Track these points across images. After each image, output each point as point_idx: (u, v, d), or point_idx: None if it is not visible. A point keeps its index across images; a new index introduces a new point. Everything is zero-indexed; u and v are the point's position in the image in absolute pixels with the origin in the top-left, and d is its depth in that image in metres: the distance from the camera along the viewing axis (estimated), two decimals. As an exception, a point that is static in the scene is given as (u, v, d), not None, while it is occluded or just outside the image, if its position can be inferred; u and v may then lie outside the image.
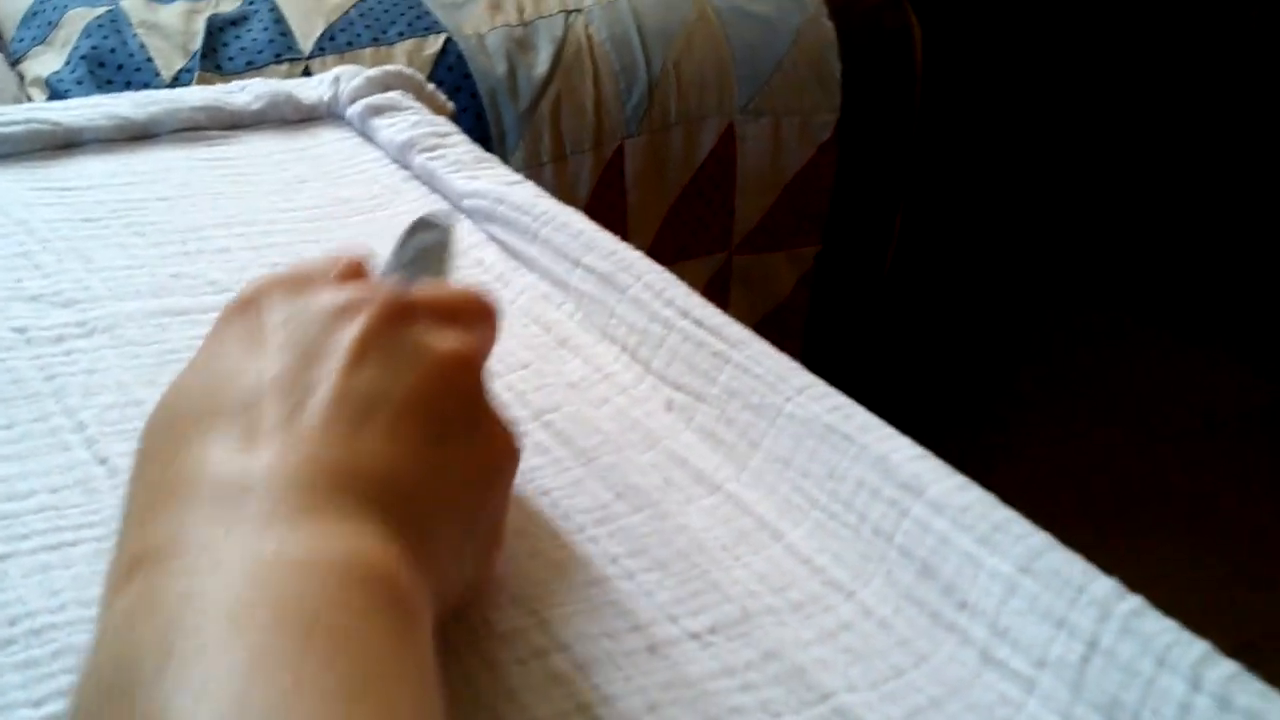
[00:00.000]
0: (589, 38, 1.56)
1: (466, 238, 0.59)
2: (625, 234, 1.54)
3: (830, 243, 1.77)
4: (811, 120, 1.68)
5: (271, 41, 1.45)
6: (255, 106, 0.70)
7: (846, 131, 1.70)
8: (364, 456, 0.31)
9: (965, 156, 1.93)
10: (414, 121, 0.67)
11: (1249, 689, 0.32)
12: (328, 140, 0.70)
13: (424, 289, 0.37)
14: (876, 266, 1.85)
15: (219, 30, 1.45)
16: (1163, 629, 0.34)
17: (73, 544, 0.38)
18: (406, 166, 0.66)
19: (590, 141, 1.55)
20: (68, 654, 0.34)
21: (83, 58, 1.39)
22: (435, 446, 0.32)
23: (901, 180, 1.81)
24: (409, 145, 0.65)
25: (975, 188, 1.91)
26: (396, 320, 0.34)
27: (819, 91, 1.68)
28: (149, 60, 1.40)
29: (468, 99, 1.48)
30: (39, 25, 1.46)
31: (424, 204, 0.63)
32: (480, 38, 1.52)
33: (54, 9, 1.48)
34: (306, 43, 1.46)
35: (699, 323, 0.48)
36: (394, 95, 0.70)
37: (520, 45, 1.53)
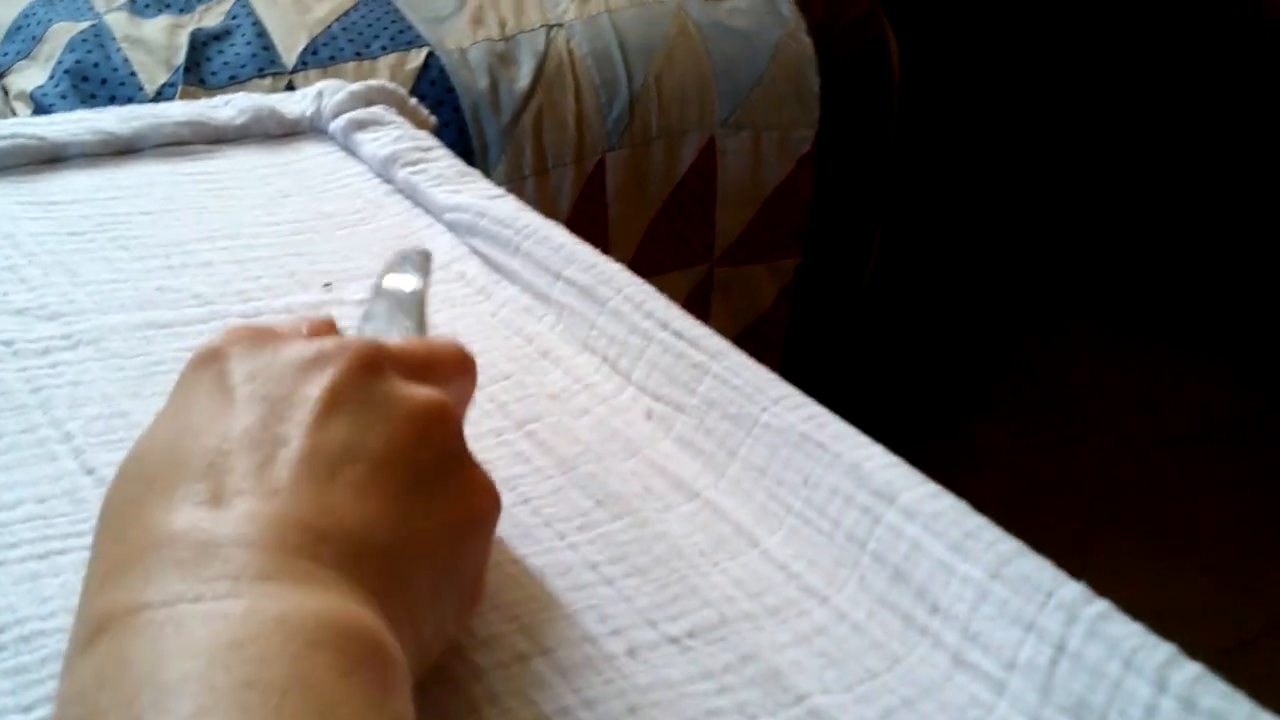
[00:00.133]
0: (570, 52, 1.57)
1: (449, 251, 0.60)
2: (607, 247, 1.55)
3: (810, 255, 1.78)
4: (791, 134, 1.70)
5: (255, 56, 1.46)
6: (239, 121, 0.70)
7: (825, 145, 1.72)
8: (335, 513, 0.30)
9: (944, 169, 1.95)
10: (396, 136, 0.68)
11: (1213, 690, 0.33)
12: (311, 155, 0.70)
13: (398, 343, 0.36)
14: (856, 278, 1.86)
15: (202, 45, 1.46)
16: (1129, 632, 0.34)
17: (61, 552, 0.39)
18: (389, 181, 0.66)
19: (572, 155, 1.56)
20: (56, 660, 0.34)
21: (66, 72, 1.39)
22: (410, 499, 0.31)
23: (880, 193, 1.82)
24: (392, 160, 0.66)
25: (954, 199, 1.93)
26: (368, 372, 0.33)
27: (798, 106, 1.69)
28: (133, 74, 1.40)
29: (450, 113, 1.48)
30: (23, 40, 1.47)
31: (407, 218, 0.63)
32: (462, 52, 1.53)
33: (38, 23, 1.48)
34: (290, 57, 1.47)
35: (678, 334, 0.49)
36: (377, 110, 0.71)
37: (502, 60, 1.54)
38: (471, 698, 0.34)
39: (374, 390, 0.33)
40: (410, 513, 0.31)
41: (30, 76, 1.41)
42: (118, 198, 0.62)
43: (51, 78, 1.39)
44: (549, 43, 1.57)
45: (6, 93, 1.41)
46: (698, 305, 1.72)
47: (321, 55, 1.48)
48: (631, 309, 0.51)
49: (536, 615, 0.37)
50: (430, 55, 1.51)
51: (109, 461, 0.43)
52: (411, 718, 0.27)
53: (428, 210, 0.63)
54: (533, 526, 0.41)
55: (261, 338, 0.34)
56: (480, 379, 0.40)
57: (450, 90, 1.49)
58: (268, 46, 1.47)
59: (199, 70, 1.43)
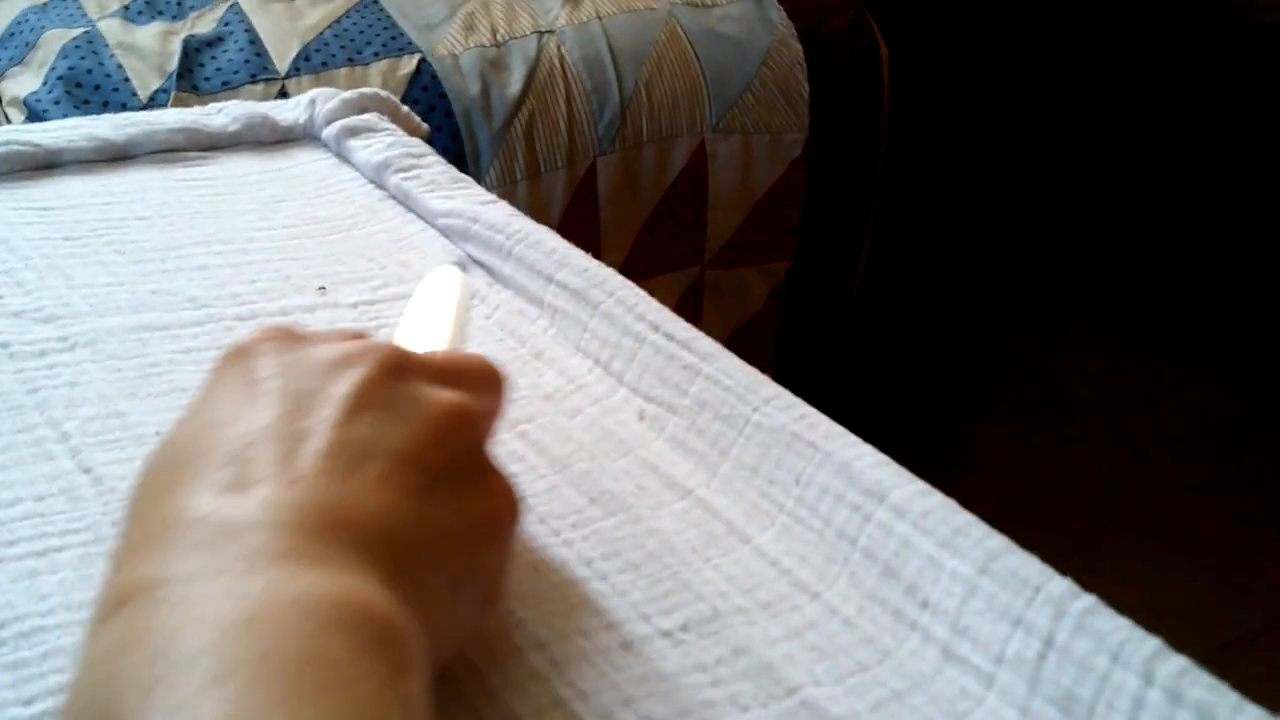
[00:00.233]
0: (561, 58, 1.58)
1: (443, 256, 0.60)
2: (599, 250, 1.56)
3: (801, 257, 1.79)
4: (781, 138, 1.70)
5: (247, 62, 1.46)
6: (232, 128, 0.70)
7: (816, 149, 1.73)
8: (355, 503, 0.30)
9: (936, 170, 1.96)
10: (389, 143, 0.68)
11: (1199, 683, 0.33)
12: (304, 161, 0.71)
13: (426, 353, 0.37)
14: (847, 280, 1.87)
15: (195, 51, 1.46)
16: (1116, 626, 0.35)
17: (59, 550, 0.39)
18: (382, 187, 0.67)
19: (563, 160, 1.56)
20: (56, 655, 0.35)
21: (60, 78, 1.40)
22: (428, 497, 0.32)
23: (871, 195, 1.83)
24: (385, 166, 0.66)
25: (946, 200, 1.94)
26: (394, 374, 0.34)
27: (788, 110, 1.70)
28: (126, 80, 1.41)
29: (442, 118, 1.49)
30: (16, 46, 1.47)
31: (400, 224, 0.64)
32: (454, 58, 1.53)
33: (31, 30, 1.49)
34: (282, 63, 1.47)
35: (670, 336, 0.49)
36: (369, 117, 0.71)
37: (494, 66, 1.54)
38: (466, 691, 0.35)
39: (398, 392, 0.33)
40: (428, 509, 0.32)
41: (24, 83, 1.41)
42: (112, 203, 0.63)
43: (45, 84, 1.40)
44: (540, 49, 1.57)
45: (0, 99, 1.41)
46: (690, 307, 1.72)
47: (314, 61, 1.49)
48: (624, 312, 0.51)
49: (531, 610, 0.38)
50: (422, 61, 1.51)
51: (105, 461, 0.43)
52: (424, 701, 0.27)
53: (420, 216, 0.64)
54: (528, 523, 0.42)
55: (292, 337, 0.35)
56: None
57: (442, 96, 1.50)
58: (260, 53, 1.48)
59: (192, 76, 1.43)
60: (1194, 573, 1.86)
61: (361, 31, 1.54)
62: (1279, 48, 2.27)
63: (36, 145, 0.65)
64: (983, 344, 2.41)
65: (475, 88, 1.52)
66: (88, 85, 1.40)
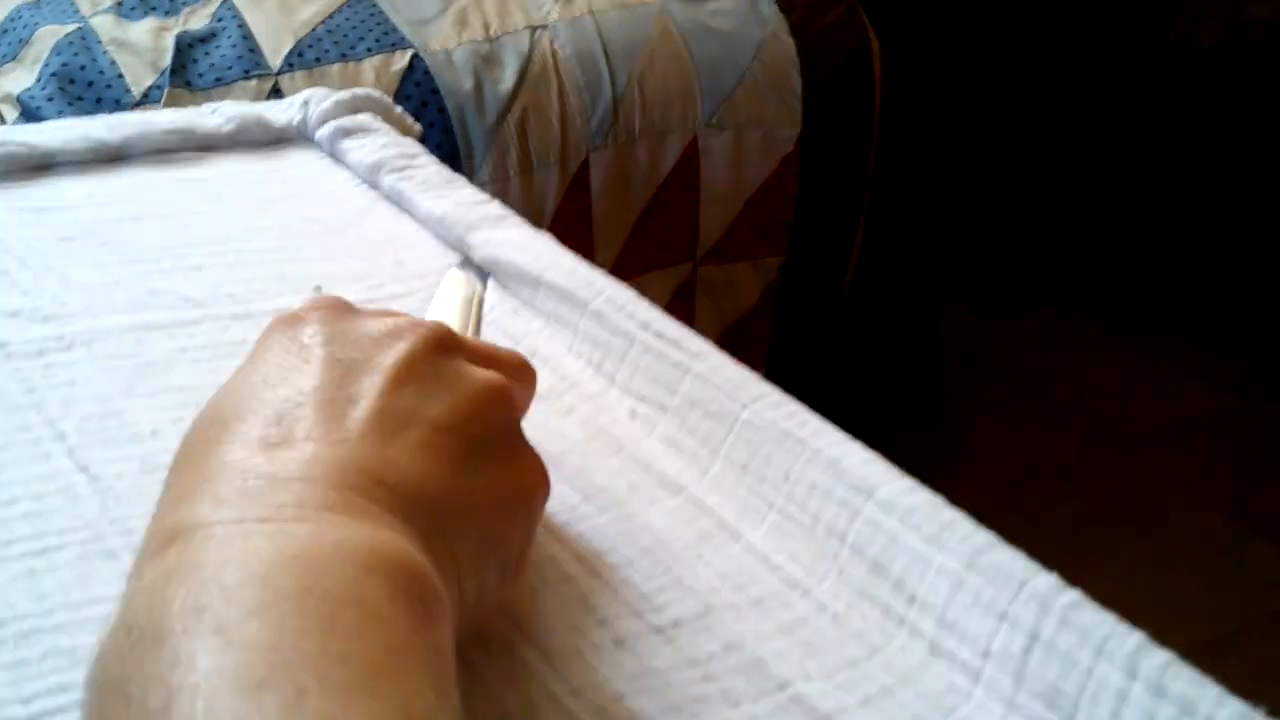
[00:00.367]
0: (554, 54, 1.58)
1: (437, 257, 0.61)
2: (592, 246, 1.57)
3: (794, 252, 1.79)
4: (773, 134, 1.71)
5: (240, 58, 1.46)
6: (226, 129, 0.71)
7: (808, 144, 1.73)
8: (394, 465, 0.32)
9: (925, 166, 1.96)
10: (383, 143, 0.69)
11: (1182, 677, 0.34)
12: (298, 161, 0.71)
13: (471, 339, 0.39)
14: (839, 275, 1.87)
15: (188, 47, 1.46)
16: (1100, 621, 0.35)
17: (57, 549, 0.39)
18: (376, 187, 0.67)
19: (556, 155, 1.57)
20: (55, 655, 0.35)
21: (53, 75, 1.40)
22: (463, 466, 0.34)
23: (863, 190, 1.83)
24: (378, 166, 0.67)
25: (935, 197, 1.94)
26: (439, 349, 0.35)
27: (780, 106, 1.70)
28: (119, 77, 1.41)
29: (435, 114, 1.49)
30: (9, 43, 1.47)
31: (393, 223, 0.64)
32: (447, 53, 1.53)
33: (24, 26, 1.48)
34: (275, 59, 1.48)
35: (659, 335, 0.50)
36: (363, 118, 0.72)
37: (486, 61, 1.55)
38: (462, 685, 0.35)
39: (442, 366, 0.35)
40: (463, 478, 0.33)
41: (17, 79, 1.41)
42: (108, 204, 0.63)
43: (38, 80, 1.40)
44: (533, 44, 1.58)
45: (-7, 96, 1.41)
46: (683, 302, 1.73)
47: (307, 57, 1.49)
48: (613, 310, 0.51)
49: (525, 605, 0.38)
50: (415, 57, 1.52)
51: (103, 460, 0.44)
52: (450, 650, 0.29)
53: (414, 216, 0.64)
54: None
55: (343, 308, 0.37)
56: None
57: (435, 91, 1.50)
58: (253, 49, 1.48)
59: (185, 72, 1.43)
60: (1182, 567, 1.87)
61: (354, 27, 1.54)
62: (1269, 44, 2.28)
63: (32, 146, 0.65)
64: (974, 339, 2.41)
65: (468, 83, 1.52)
66: (81, 82, 1.40)
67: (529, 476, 0.37)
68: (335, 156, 0.71)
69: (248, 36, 1.49)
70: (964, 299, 2.49)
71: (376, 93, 0.73)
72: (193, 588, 0.26)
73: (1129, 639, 0.35)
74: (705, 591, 0.40)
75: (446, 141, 1.49)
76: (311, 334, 0.35)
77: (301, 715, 0.23)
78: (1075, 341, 2.46)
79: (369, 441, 0.32)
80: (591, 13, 1.63)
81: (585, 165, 1.59)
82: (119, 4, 1.54)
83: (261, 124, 0.72)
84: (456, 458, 0.33)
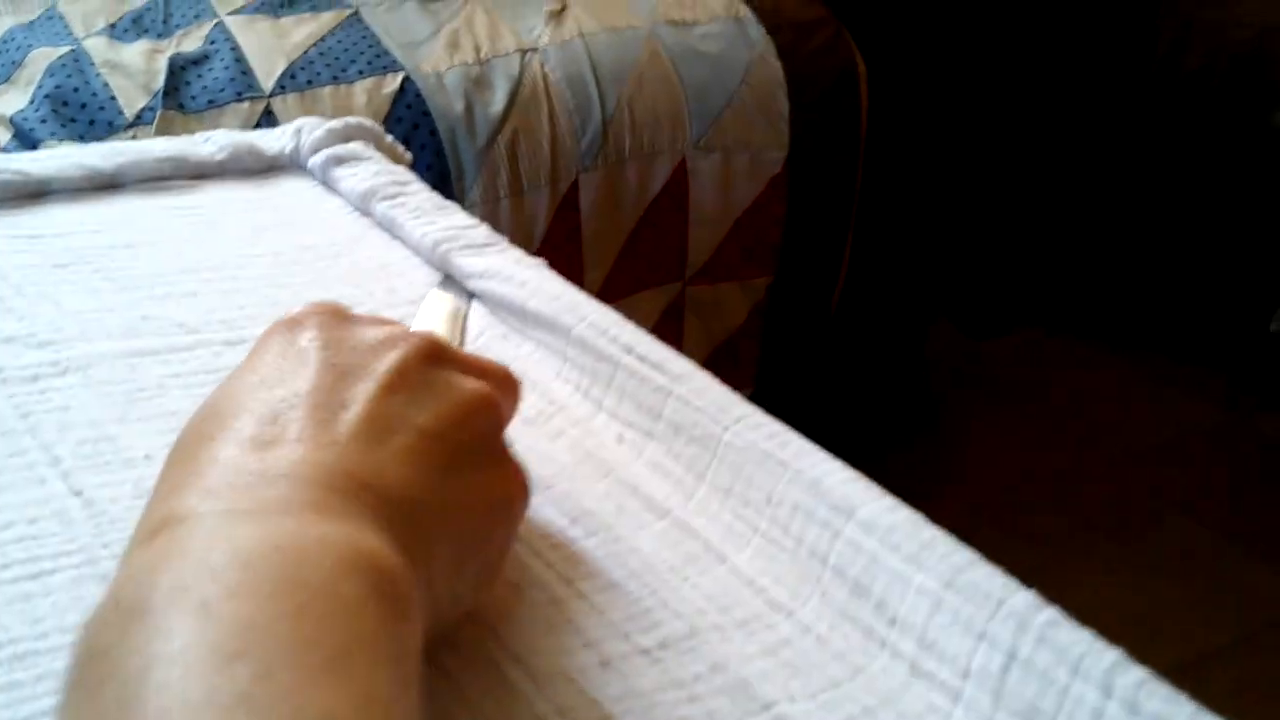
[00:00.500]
0: (544, 77, 1.59)
1: (429, 283, 0.61)
2: (581, 266, 1.58)
3: (781, 273, 1.80)
4: (761, 156, 1.72)
5: (233, 80, 1.47)
6: (219, 157, 0.71)
7: (796, 166, 1.74)
8: (380, 472, 0.33)
9: (912, 187, 1.98)
10: (375, 171, 0.69)
11: (1157, 694, 0.34)
12: (290, 189, 0.72)
13: (459, 351, 0.40)
14: (826, 295, 1.88)
15: (181, 69, 1.47)
16: (1076, 639, 0.36)
17: (51, 572, 0.40)
18: (368, 214, 0.68)
19: (546, 177, 1.58)
20: (49, 678, 0.35)
21: (47, 97, 1.40)
22: (448, 473, 0.35)
23: (849, 211, 1.84)
24: (370, 194, 0.67)
25: (922, 217, 1.95)
26: (430, 359, 0.37)
27: (768, 128, 1.72)
28: (112, 99, 1.42)
29: (426, 136, 1.50)
30: (2, 64, 1.48)
31: (385, 251, 0.65)
32: (438, 76, 1.54)
33: (17, 49, 1.49)
34: (267, 81, 1.48)
35: (643, 359, 0.50)
36: (354, 146, 0.72)
37: (477, 84, 1.56)
38: (448, 707, 0.36)
39: (432, 376, 0.36)
40: (445, 484, 0.35)
41: (10, 101, 1.42)
42: (102, 231, 0.64)
43: (32, 102, 1.40)
44: (523, 67, 1.59)
45: (-14, 119, 1.42)
46: (671, 323, 1.73)
47: (299, 80, 1.50)
48: (596, 335, 0.52)
49: (512, 626, 0.39)
50: (406, 79, 1.53)
51: (97, 484, 0.44)
52: (417, 650, 0.30)
53: (406, 243, 0.65)
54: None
55: (340, 315, 0.38)
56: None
57: (426, 114, 1.51)
58: (245, 71, 1.49)
59: (178, 95, 1.44)
60: (1170, 583, 1.87)
61: (346, 50, 1.55)
62: (1253, 66, 2.30)
63: (26, 174, 0.66)
64: (961, 358, 2.42)
65: (459, 106, 1.53)
66: (74, 104, 1.40)
67: (509, 485, 0.38)
68: (327, 184, 0.71)
69: (240, 59, 1.50)
70: (952, 318, 2.50)
71: (368, 121, 0.74)
72: (179, 568, 0.28)
73: (1105, 656, 0.35)
74: (691, 613, 0.40)
75: (437, 163, 1.50)
76: (309, 338, 0.36)
77: (269, 688, 0.25)
78: (1066, 358, 2.47)
79: (357, 446, 0.33)
80: (581, 36, 1.64)
81: (575, 186, 1.60)
82: (112, 26, 1.55)
83: (254, 152, 0.73)
84: (441, 464, 0.35)
